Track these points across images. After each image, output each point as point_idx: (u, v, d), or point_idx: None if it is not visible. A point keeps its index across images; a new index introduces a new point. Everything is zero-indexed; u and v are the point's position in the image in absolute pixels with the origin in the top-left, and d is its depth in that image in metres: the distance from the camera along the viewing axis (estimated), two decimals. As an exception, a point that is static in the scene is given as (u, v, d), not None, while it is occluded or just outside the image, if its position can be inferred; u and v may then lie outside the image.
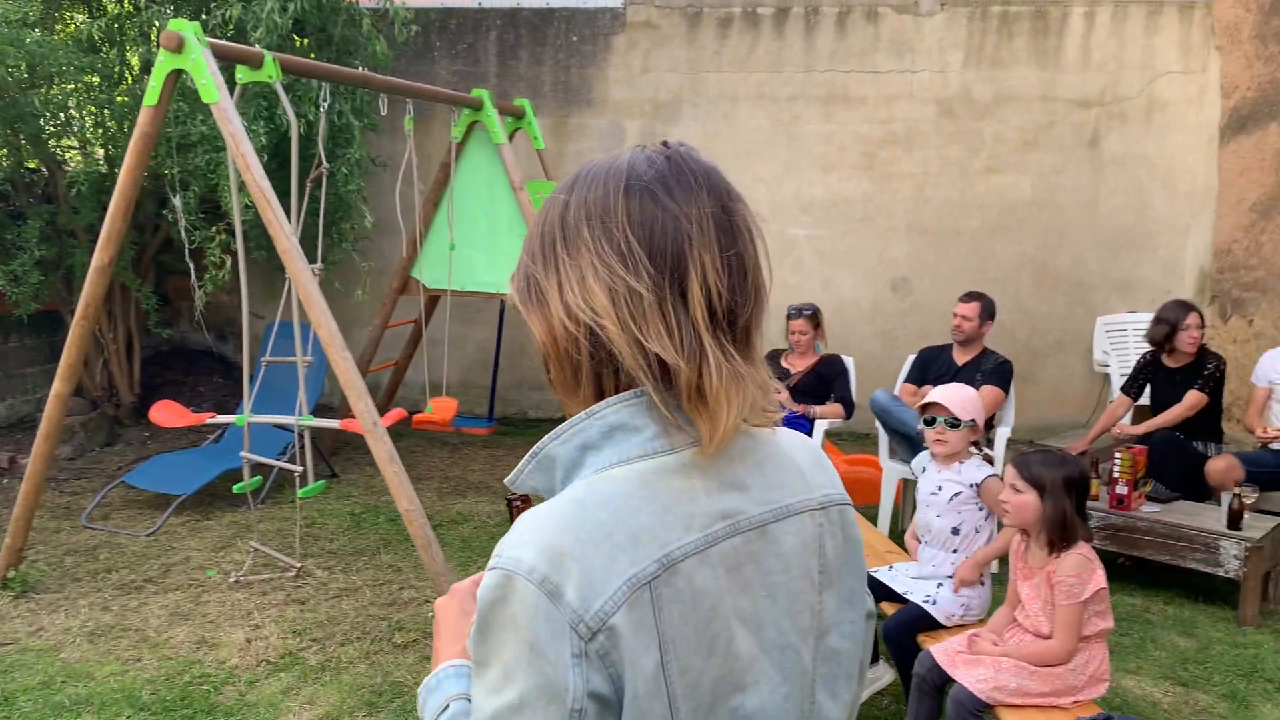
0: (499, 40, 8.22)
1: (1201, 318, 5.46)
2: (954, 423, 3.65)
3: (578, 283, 0.99)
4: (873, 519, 5.57)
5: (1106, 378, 7.59)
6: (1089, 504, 4.93)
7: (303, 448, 5.19)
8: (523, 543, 0.94)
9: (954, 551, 3.63)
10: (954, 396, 3.71)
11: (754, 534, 1.02)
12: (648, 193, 0.99)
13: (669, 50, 8.03)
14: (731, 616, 0.98)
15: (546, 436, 1.04)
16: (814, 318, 5.88)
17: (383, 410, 6.29)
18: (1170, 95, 7.62)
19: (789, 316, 5.90)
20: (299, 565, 5.09)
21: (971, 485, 3.62)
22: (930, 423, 3.71)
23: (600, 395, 1.02)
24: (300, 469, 5.03)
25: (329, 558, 5.35)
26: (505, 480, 1.11)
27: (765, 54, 7.96)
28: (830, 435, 6.98)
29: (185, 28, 4.29)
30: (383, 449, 4.36)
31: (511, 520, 1.39)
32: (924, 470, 3.81)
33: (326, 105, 5.29)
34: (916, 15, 7.79)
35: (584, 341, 0.99)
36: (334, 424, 5.12)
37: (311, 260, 4.97)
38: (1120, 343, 7.57)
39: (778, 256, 8.10)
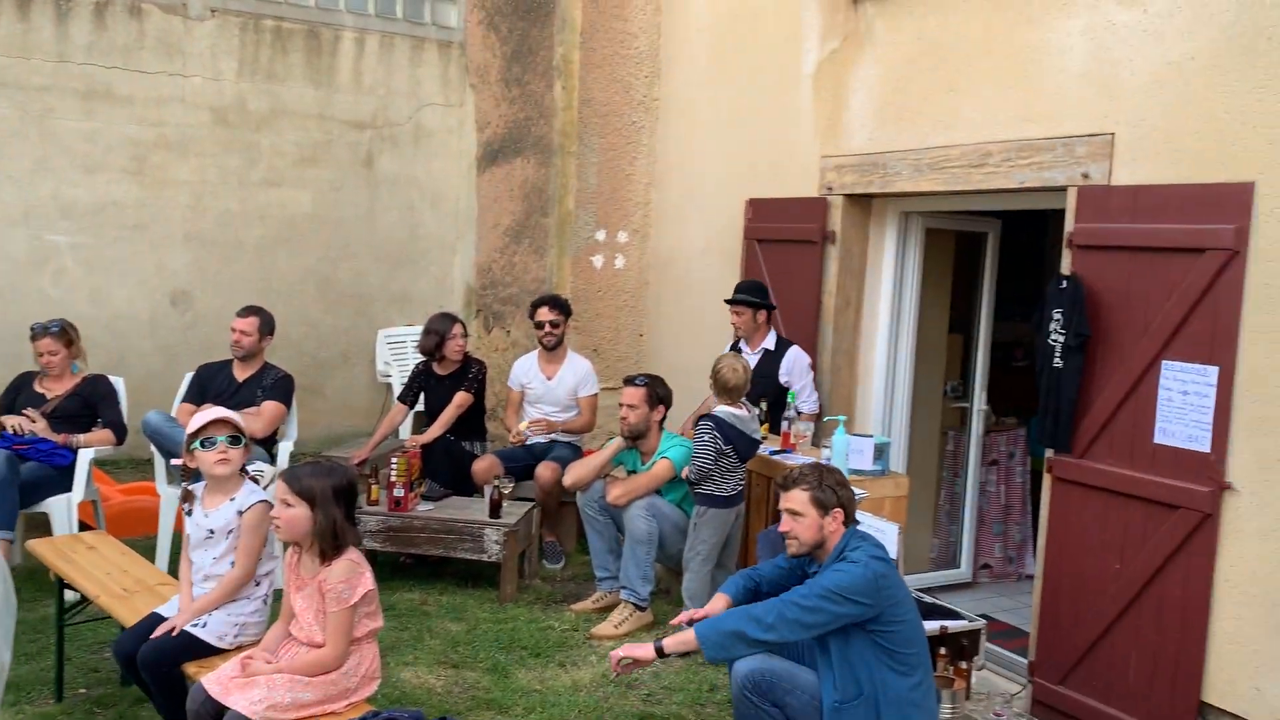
0: None
1: (464, 327, 6.03)
2: (236, 438, 3.49)
3: None
4: (151, 551, 5.17)
5: (389, 387, 8.01)
6: (371, 508, 5.17)
7: None
8: None
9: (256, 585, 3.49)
10: (228, 413, 3.56)
11: None
12: None
13: None
14: None
15: None
16: (64, 335, 5.26)
17: None
18: (435, 124, 8.31)
19: (33, 336, 5.22)
20: None
21: (240, 514, 3.46)
22: (209, 444, 3.43)
23: None
24: None
25: None
26: None
27: (7, 36, 6.96)
28: (103, 464, 6.34)
29: None
30: None
31: None
32: (190, 513, 3.53)
33: None
34: (186, 18, 7.44)
35: None
36: None
37: None
38: (400, 354, 8.04)
39: (34, 266, 7.15)
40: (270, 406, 5.41)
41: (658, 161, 7.46)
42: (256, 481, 3.58)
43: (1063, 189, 4.45)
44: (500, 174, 7.79)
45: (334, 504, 3.12)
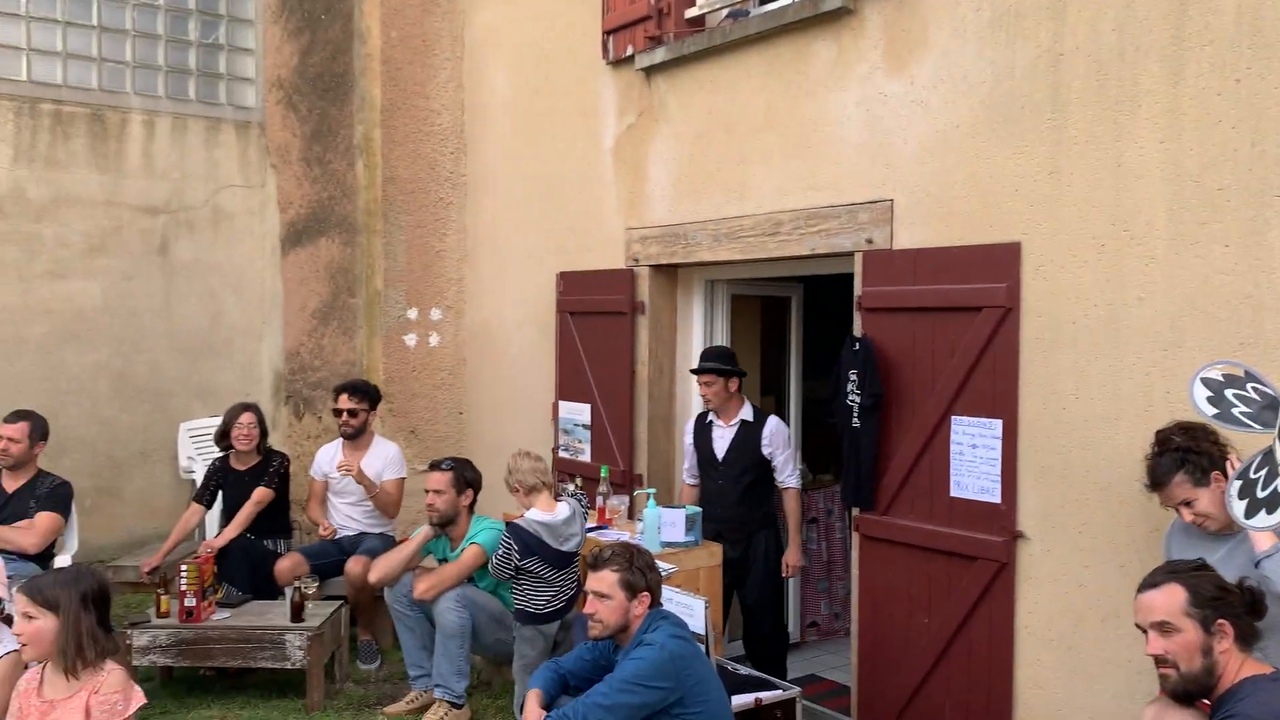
0: None
1: (257, 416, 5.70)
2: None
3: None
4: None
5: (194, 484, 7.53)
6: (161, 620, 4.79)
7: None
8: None
9: None
10: None
11: None
12: None
13: None
14: None
15: None
16: None
17: None
18: (234, 206, 7.98)
19: None
20: None
21: None
22: None
23: None
24: None
25: None
26: None
27: None
28: None
29: None
30: None
31: None
32: None
33: None
34: (-51, 101, 6.94)
35: None
36: None
37: None
38: (205, 448, 7.58)
39: None
40: (44, 518, 4.97)
41: (468, 237, 7.36)
42: (9, 621, 3.22)
43: (850, 254, 4.58)
44: (305, 255, 7.53)
45: (83, 611, 2.85)
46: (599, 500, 5.17)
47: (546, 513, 4.52)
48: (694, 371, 5.19)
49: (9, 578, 3.95)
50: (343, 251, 7.26)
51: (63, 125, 7.33)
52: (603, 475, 5.24)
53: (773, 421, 5.10)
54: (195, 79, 7.90)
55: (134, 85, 7.65)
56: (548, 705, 3.37)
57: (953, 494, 4.17)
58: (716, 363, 5.06)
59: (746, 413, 5.10)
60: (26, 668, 3.09)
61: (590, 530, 4.98)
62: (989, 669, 4.04)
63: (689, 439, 5.30)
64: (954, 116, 4.15)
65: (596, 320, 6.07)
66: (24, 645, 2.89)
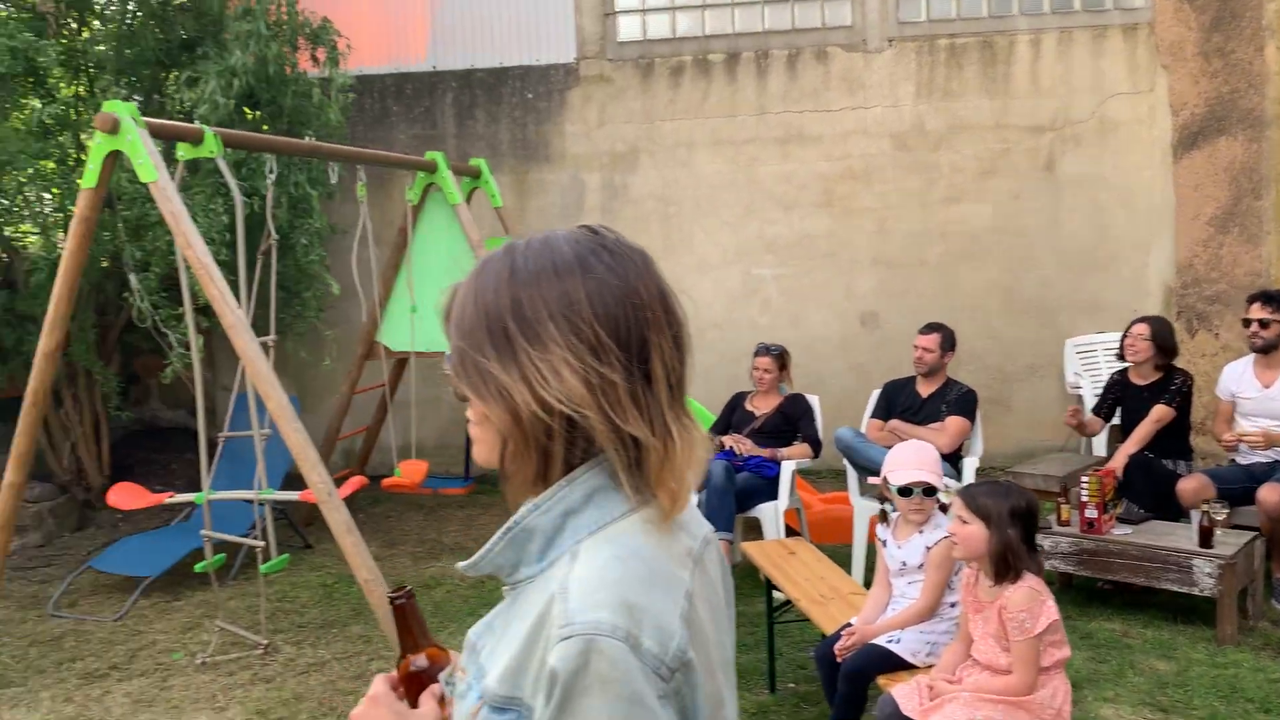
0: (455, 102, 8.28)
1: (1151, 328, 5.45)
2: (931, 490, 3.58)
3: (552, 376, 1.05)
4: (846, 558, 5.51)
5: (1080, 399, 7.56)
6: (1062, 529, 4.92)
7: (264, 522, 5.13)
8: (593, 605, 1.00)
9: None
10: (923, 460, 3.61)
11: (700, 565, 1.13)
12: (605, 286, 1.08)
13: (624, 102, 8.10)
14: (710, 640, 1.09)
15: (523, 510, 1.10)
16: (781, 358, 5.85)
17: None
18: (1121, 115, 7.68)
19: (756, 354, 5.87)
20: (265, 642, 5.00)
21: (928, 549, 3.52)
22: (906, 493, 3.56)
23: (568, 471, 1.10)
24: (262, 544, 4.97)
25: (298, 632, 5.26)
26: (464, 565, 1.14)
27: (719, 100, 8.03)
28: (805, 474, 6.93)
29: (120, 109, 4.29)
30: (339, 519, 4.31)
31: (399, 622, 1.25)
32: (884, 544, 3.70)
33: (274, 176, 5.30)
34: (865, 52, 7.88)
35: (559, 429, 1.06)
36: (293, 496, 5.07)
37: (264, 333, 4.95)
38: (1091, 364, 7.56)
39: (745, 297, 8.12)
40: (954, 422, 5.43)
41: None
42: (945, 510, 3.58)
43: None
44: (1201, 158, 6.94)
45: (1010, 526, 3.01)
46: None
47: None
48: None
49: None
50: (1246, 149, 6.52)
51: (955, 57, 7.81)
52: None
53: None
54: (1080, -12, 7.75)
55: (1020, 7, 7.80)
56: None
57: None
58: None
59: None
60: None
61: None
62: None
63: None
64: None
65: None
66: (955, 544, 3.18)
